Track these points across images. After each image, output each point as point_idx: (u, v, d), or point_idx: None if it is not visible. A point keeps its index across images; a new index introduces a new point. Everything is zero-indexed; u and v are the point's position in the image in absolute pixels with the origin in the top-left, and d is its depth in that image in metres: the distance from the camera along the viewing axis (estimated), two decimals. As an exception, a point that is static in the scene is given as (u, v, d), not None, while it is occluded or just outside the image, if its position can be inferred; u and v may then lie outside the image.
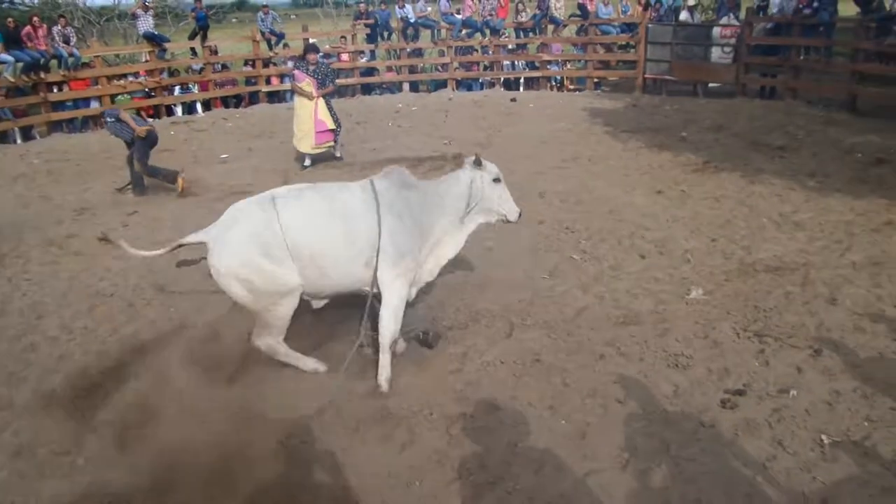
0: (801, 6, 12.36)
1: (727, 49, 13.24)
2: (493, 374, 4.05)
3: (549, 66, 15.56)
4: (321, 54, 11.29)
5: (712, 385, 3.86)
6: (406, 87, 16.30)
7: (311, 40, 13.13)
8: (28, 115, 12.53)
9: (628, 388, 3.82)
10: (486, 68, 16.08)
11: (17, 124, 12.22)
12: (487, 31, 15.73)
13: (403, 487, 3.21)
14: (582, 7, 15.61)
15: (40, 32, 12.68)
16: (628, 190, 7.46)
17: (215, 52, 15.23)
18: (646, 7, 14.76)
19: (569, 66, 15.77)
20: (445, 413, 3.70)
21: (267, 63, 15.38)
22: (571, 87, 15.49)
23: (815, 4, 12.04)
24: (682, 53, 13.83)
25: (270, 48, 15.28)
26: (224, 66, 15.34)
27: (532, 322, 4.61)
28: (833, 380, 3.83)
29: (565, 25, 16.04)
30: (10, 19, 13.23)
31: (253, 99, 15.20)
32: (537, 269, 5.48)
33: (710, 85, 13.79)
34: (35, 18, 13.06)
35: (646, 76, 14.40)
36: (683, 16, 14.25)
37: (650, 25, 14.19)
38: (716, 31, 13.48)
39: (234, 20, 28.98)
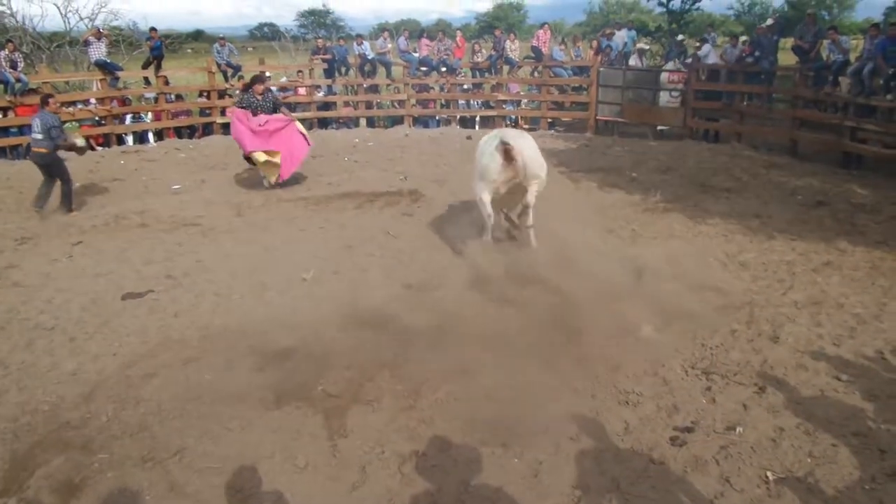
0: (744, 55, 12.98)
1: (674, 93, 13.77)
2: (446, 411, 4.02)
3: (504, 106, 15.88)
4: (270, 86, 11.57)
5: (661, 422, 3.91)
6: (363, 122, 16.42)
7: (266, 73, 13.12)
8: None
9: (580, 425, 3.84)
10: (442, 106, 16.32)
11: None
12: (444, 70, 16.01)
13: (353, 530, 3.14)
14: (535, 49, 16.04)
15: (-13, 57, 12.35)
16: (580, 229, 7.59)
17: (167, 83, 15.06)
18: (597, 52, 15.27)
19: (523, 105, 16.12)
20: (397, 451, 3.66)
21: (222, 94, 15.27)
22: (526, 126, 15.81)
23: (757, 53, 12.67)
24: (633, 97, 14.33)
25: (226, 80, 15.19)
26: (178, 97, 15.18)
27: (486, 359, 4.60)
28: (777, 416, 3.93)
29: (520, 67, 16.44)
30: (-45, 43, 12.85)
31: (207, 130, 15.03)
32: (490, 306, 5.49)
33: (659, 128, 14.27)
34: (-17, 43, 12.73)
35: (598, 118, 14.82)
36: (633, 61, 14.79)
37: (601, 69, 14.67)
38: (664, 76, 14.03)
39: (189, 50, 28.80)
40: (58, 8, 21.26)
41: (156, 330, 5.12)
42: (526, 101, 16.07)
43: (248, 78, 15.43)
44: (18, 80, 12.53)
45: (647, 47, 15.06)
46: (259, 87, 9.84)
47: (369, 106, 16.49)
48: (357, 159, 12.25)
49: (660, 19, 36.03)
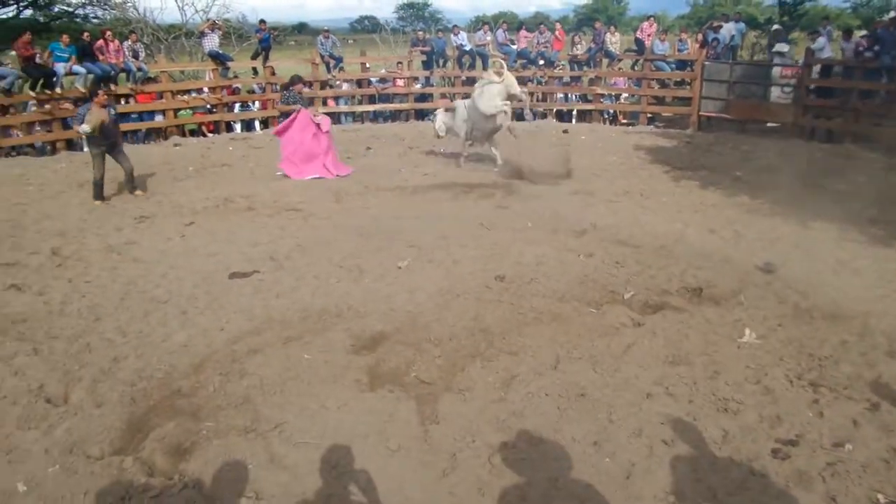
0: (861, 49, 12.14)
1: (787, 89, 13.05)
2: (537, 405, 4.00)
3: (602, 100, 15.56)
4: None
5: (763, 433, 3.74)
6: (460, 113, 16.47)
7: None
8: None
9: (676, 429, 3.73)
10: (538, 99, 16.16)
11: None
12: (542, 63, 15.84)
13: (442, 514, 3.19)
14: (639, 42, 15.62)
15: (111, 47, 13.26)
16: (681, 227, 7.37)
17: (274, 73, 15.66)
18: (703, 45, 14.69)
19: (622, 99, 15.74)
20: (487, 442, 3.67)
21: (324, 85, 15.75)
22: (624, 121, 15.45)
23: (877, 48, 11.82)
24: (741, 92, 13.69)
25: (329, 71, 15.64)
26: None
27: (578, 355, 4.55)
28: (891, 436, 3.68)
29: (620, 60, 16.05)
30: (85, 33, 13.86)
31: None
32: (584, 303, 5.42)
33: (768, 125, 13.59)
34: (107, 33, 13.67)
35: (701, 113, 14.27)
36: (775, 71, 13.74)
37: (707, 63, 14.10)
38: (776, 70, 13.31)
39: (292, 43, 29.80)
40: (176, 1, 22.54)
41: (260, 309, 5.36)
42: (625, 95, 15.67)
43: (348, 70, 15.99)
44: (139, 69, 13.39)
45: (787, 49, 14.13)
46: (299, 87, 10.64)
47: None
48: (453, 150, 12.32)
49: (770, 11, 34.23)
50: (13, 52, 12.55)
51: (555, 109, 16.01)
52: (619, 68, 16.24)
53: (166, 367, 4.46)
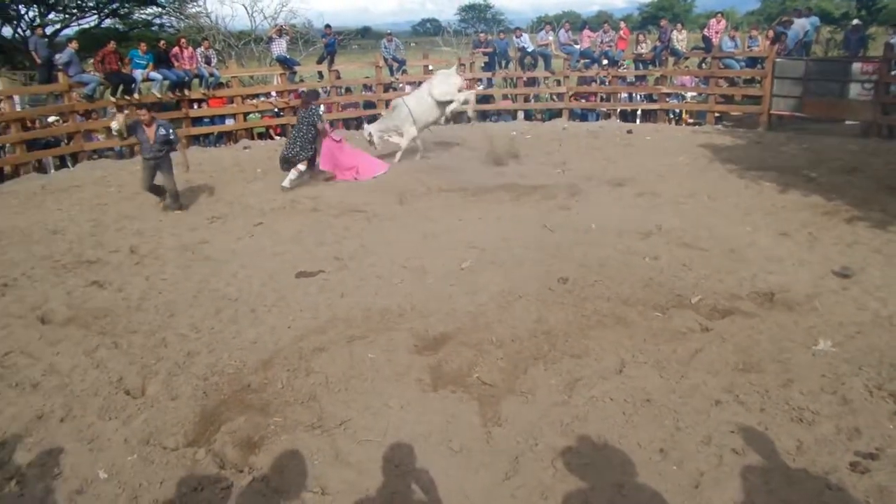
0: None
1: (867, 85, 12.46)
2: (601, 409, 3.95)
3: (668, 99, 15.22)
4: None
5: (841, 445, 3.58)
6: (521, 115, 16.42)
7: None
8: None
9: (747, 438, 3.62)
10: (602, 99, 15.94)
11: (160, 136, 13.29)
12: (605, 62, 15.62)
13: (505, 516, 3.18)
14: (706, 39, 15.20)
15: (186, 53, 13.78)
16: (751, 230, 7.13)
17: (338, 77, 15.97)
18: (774, 41, 14.17)
19: (689, 98, 15.36)
20: (550, 445, 3.64)
21: (387, 88, 15.95)
22: (691, 121, 15.07)
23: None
24: (816, 89, 13.14)
25: (392, 73, 15.82)
26: (347, 90, 16.05)
27: (644, 360, 4.46)
28: (979, 452, 3.47)
29: (687, 58, 15.66)
30: (161, 41, 14.45)
31: (371, 121, 15.75)
32: (650, 307, 5.32)
33: (846, 122, 13.02)
34: (182, 40, 14.22)
35: (771, 112, 13.78)
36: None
37: (778, 60, 13.61)
38: (855, 66, 12.72)
39: (355, 47, 30.29)
40: (245, 8, 23.25)
41: (325, 307, 5.48)
42: (692, 94, 15.28)
43: (410, 73, 16.13)
44: (211, 75, 13.87)
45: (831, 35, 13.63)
46: (319, 102, 11.10)
47: (527, 99, 16.49)
48: (515, 152, 12.28)
49: (845, 6, 32.77)
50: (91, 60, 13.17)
51: (619, 109, 15.76)
52: (686, 66, 15.86)
53: (237, 363, 4.60)
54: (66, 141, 12.27)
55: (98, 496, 3.37)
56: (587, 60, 15.87)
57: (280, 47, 15.27)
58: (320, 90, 15.64)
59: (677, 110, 15.30)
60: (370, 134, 11.42)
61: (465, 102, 11.72)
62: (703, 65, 15.53)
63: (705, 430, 3.71)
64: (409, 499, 3.31)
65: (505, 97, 16.65)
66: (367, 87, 16.08)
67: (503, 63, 16.48)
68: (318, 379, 4.35)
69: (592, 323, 5.08)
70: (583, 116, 15.95)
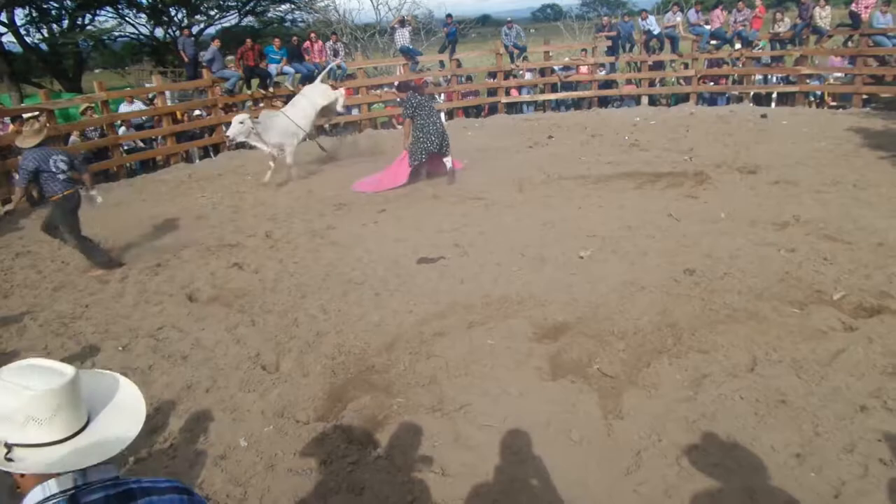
0: None
1: None
2: (730, 408, 3.77)
3: (808, 81, 14.14)
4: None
5: None
6: (645, 100, 15.87)
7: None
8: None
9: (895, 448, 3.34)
10: (734, 82, 15.06)
11: (291, 127, 14.01)
12: (738, 43, 14.73)
13: (626, 512, 3.12)
14: (853, 15, 13.95)
15: (316, 47, 14.40)
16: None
17: (459, 65, 16.10)
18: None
19: (832, 80, 14.19)
20: (675, 442, 3.53)
21: (508, 75, 15.90)
22: (833, 103, 13.93)
23: None
24: None
25: (512, 61, 15.75)
26: (468, 78, 16.16)
27: (778, 358, 4.21)
28: None
29: (830, 36, 14.46)
30: (294, 36, 15.18)
31: (492, 109, 15.81)
32: (785, 302, 5.00)
33: None
34: (312, 35, 14.87)
35: (933, 92, 12.46)
36: None
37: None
38: None
39: (474, 35, 30.39)
40: (371, 1, 23.95)
41: (445, 293, 5.58)
42: (836, 74, 14.11)
43: (531, 59, 16.00)
44: (339, 67, 14.39)
45: None
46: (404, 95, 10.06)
47: (652, 83, 15.89)
48: (638, 138, 11.90)
49: None
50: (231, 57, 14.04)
51: (752, 93, 14.84)
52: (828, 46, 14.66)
53: (362, 344, 4.80)
54: (209, 133, 13.21)
55: (239, 462, 3.64)
56: (718, 41, 15.04)
57: (403, 38, 15.60)
58: (441, 79, 15.90)
59: (819, 92, 14.19)
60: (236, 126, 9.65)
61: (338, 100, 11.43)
62: (850, 43, 14.29)
63: (848, 436, 3.45)
64: (528, 486, 3.33)
65: (629, 82, 16.13)
66: (490, 75, 16.11)
67: (627, 47, 15.96)
68: (439, 363, 4.45)
69: (721, 317, 4.85)
70: (711, 100, 15.17)
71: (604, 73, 16.12)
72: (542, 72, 16.28)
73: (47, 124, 10.40)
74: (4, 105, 14.13)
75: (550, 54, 16.39)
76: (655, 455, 3.45)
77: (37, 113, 10.72)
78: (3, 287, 6.56)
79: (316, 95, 10.96)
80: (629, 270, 5.78)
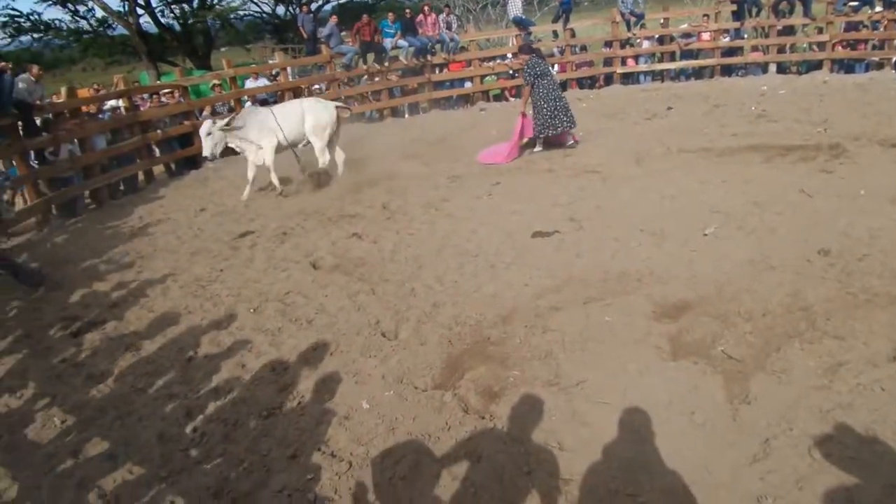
0: None
1: None
2: (869, 399, 3.52)
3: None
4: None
5: None
6: (773, 68, 14.88)
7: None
8: (416, 93, 14.47)
9: None
10: (874, 47, 13.79)
11: (407, 101, 14.25)
12: (879, 4, 13.45)
13: (752, 501, 3.01)
14: None
15: (429, 20, 14.47)
16: None
17: (573, 35, 15.69)
18: None
19: None
20: (807, 432, 3.34)
21: (624, 44, 15.35)
22: None
23: None
24: None
25: (629, 29, 15.18)
26: (583, 48, 15.74)
27: (926, 347, 3.89)
28: None
29: None
30: (407, 10, 15.33)
31: (608, 80, 15.35)
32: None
33: None
34: (426, 7, 14.94)
35: None
36: None
37: None
38: None
39: (586, 3, 29.50)
40: (483, -29, 23.71)
41: (561, 267, 5.53)
42: None
43: (649, 27, 15.33)
44: (452, 40, 14.42)
45: None
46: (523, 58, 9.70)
47: (781, 50, 14.86)
48: (765, 109, 11.20)
49: None
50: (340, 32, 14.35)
51: (894, 59, 13.53)
52: None
53: (477, 316, 4.85)
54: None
55: (361, 423, 3.81)
56: (856, 3, 13.78)
57: (516, 8, 15.38)
58: (554, 50, 15.58)
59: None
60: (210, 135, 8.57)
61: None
62: None
63: None
64: (647, 466, 3.27)
65: (755, 49, 15.15)
66: (606, 45, 15.63)
67: (754, 11, 14.96)
68: (555, 337, 4.44)
69: (860, 302, 4.52)
70: (848, 68, 13.99)
71: (727, 39, 15.23)
72: (661, 40, 15.61)
73: (181, 99, 11.15)
74: (142, 83, 15.23)
75: (670, 21, 15.65)
76: (785, 444, 3.29)
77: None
78: (148, 251, 7.16)
79: (314, 115, 9.06)
80: (756, 248, 5.50)
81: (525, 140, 9.54)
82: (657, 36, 15.60)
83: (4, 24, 23.33)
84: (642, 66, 15.59)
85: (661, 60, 15.55)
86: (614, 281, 5.21)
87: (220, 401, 4.18)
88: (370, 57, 13.94)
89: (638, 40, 15.54)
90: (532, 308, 4.88)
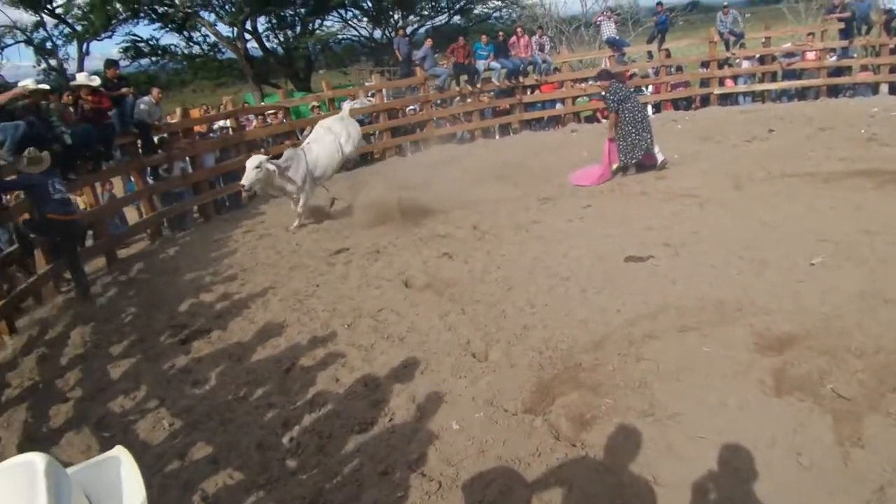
0: None
1: None
2: None
3: None
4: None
5: None
6: (884, 88, 14.04)
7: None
8: (507, 114, 14.56)
9: None
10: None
11: (498, 122, 14.36)
12: None
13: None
14: None
15: (522, 42, 14.55)
16: None
17: (668, 55, 15.38)
18: None
19: None
20: (932, 480, 3.12)
21: (722, 64, 14.91)
22: None
23: None
24: None
25: (727, 48, 14.74)
26: (678, 68, 15.40)
27: None
28: None
29: None
30: (500, 32, 15.48)
31: (704, 101, 14.93)
32: None
33: None
34: (519, 29, 15.06)
35: None
36: None
37: None
38: None
39: (681, 22, 28.90)
40: (576, -7, 23.73)
41: (655, 294, 5.39)
42: None
43: (748, 47, 14.82)
44: (544, 62, 14.44)
45: None
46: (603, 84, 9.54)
47: (894, 69, 13.99)
48: (876, 132, 10.58)
49: None
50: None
51: None
52: None
53: (569, 341, 4.80)
54: (419, 128, 13.94)
55: (451, 444, 3.83)
56: None
57: (609, 30, 15.25)
58: (649, 71, 15.31)
59: None
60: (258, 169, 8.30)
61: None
62: None
63: None
64: (749, 505, 3.14)
65: (864, 68, 14.35)
66: (703, 65, 15.23)
67: (864, 29, 14.20)
68: (649, 366, 4.33)
69: None
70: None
71: (834, 58, 14.50)
72: (762, 59, 15.04)
73: (284, 120, 11.69)
74: (248, 103, 16.06)
75: (772, 40, 15.08)
76: (905, 493, 3.08)
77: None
78: (250, 264, 7.52)
79: (345, 130, 9.49)
80: (868, 280, 5.18)
81: (614, 167, 9.39)
82: (758, 55, 15.05)
83: (126, 49, 25.24)
84: (741, 87, 15.07)
85: (761, 81, 14.99)
86: (712, 310, 5.03)
87: (316, 413, 4.32)
88: (462, 78, 14.15)
89: (737, 60, 15.05)
90: (625, 335, 4.78)
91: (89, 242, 8.33)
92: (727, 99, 15.02)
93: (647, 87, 15.19)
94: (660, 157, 9.27)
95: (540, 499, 3.31)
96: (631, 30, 20.93)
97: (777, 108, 14.13)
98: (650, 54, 15.60)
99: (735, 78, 15.07)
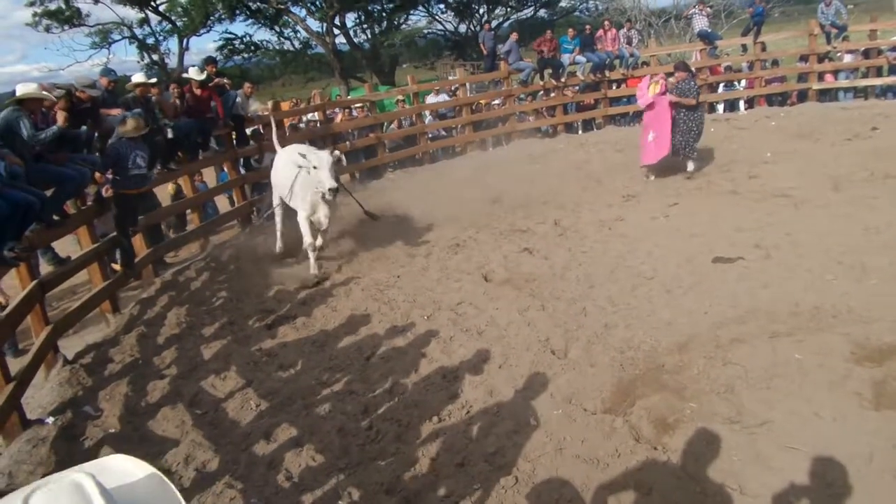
0: None
1: None
2: None
3: None
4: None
5: None
6: None
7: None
8: (591, 108, 14.29)
9: None
10: None
11: (581, 117, 14.13)
12: None
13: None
14: None
15: (609, 35, 14.22)
16: None
17: (764, 49, 14.67)
18: None
19: None
20: None
21: (822, 59, 14.11)
22: None
23: None
24: None
25: (829, 42, 13.93)
26: (774, 63, 14.69)
27: None
28: None
29: None
30: (587, 26, 15.21)
31: (801, 97, 14.19)
32: None
33: None
34: (606, 22, 14.73)
35: None
36: None
37: None
38: None
39: (776, 14, 27.52)
40: (667, -16, 23.03)
41: (744, 297, 5.20)
42: None
43: (852, 39, 13.98)
44: (632, 55, 14.09)
45: None
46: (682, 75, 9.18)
47: None
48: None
49: None
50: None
51: None
52: None
53: (651, 342, 4.70)
54: (502, 122, 13.88)
55: (529, 439, 3.82)
56: None
57: (701, 23, 14.70)
58: (743, 65, 14.69)
59: None
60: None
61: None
62: None
63: None
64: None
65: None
66: (802, 59, 14.46)
67: None
68: (737, 371, 4.18)
69: None
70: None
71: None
72: (867, 53, 14.12)
73: (369, 113, 11.91)
74: (333, 97, 16.43)
75: (878, 33, 14.14)
76: None
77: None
78: (335, 257, 7.71)
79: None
80: (983, 292, 4.82)
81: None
82: (862, 49, 14.15)
83: (221, 47, 26.38)
84: (843, 82, 14.20)
85: (865, 76, 14.09)
86: (806, 316, 4.81)
87: (394, 401, 4.41)
88: (547, 72, 13.98)
89: (839, 54, 14.21)
90: (711, 338, 4.63)
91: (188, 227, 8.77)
92: (826, 95, 14.20)
93: (739, 82, 14.57)
94: (690, 167, 9.04)
95: (617, 500, 3.27)
96: (724, 22, 20.11)
97: (881, 104, 13.24)
98: (744, 48, 14.92)
99: (836, 73, 14.23)
